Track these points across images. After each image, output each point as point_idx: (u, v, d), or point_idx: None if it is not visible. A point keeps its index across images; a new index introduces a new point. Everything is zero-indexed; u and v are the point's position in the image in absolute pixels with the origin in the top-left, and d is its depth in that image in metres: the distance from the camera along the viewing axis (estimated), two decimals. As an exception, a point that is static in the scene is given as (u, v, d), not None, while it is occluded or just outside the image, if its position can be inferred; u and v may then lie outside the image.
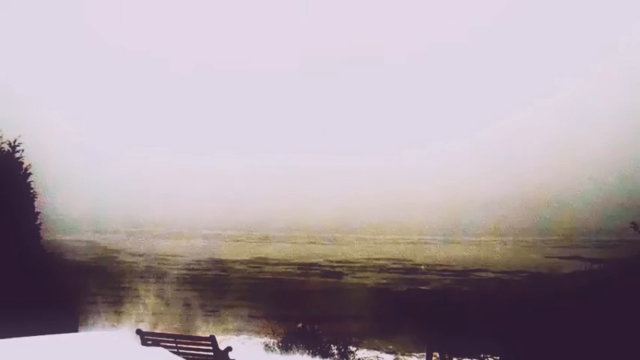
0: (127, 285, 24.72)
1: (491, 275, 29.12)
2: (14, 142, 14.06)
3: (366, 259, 31.49)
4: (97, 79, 33.60)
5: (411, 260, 30.90)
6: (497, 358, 15.56)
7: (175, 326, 20.58)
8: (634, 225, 12.57)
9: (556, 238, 27.90)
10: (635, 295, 12.44)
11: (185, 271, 28.65)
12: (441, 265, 29.63)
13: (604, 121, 28.67)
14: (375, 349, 19.20)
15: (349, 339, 17.75)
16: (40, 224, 14.11)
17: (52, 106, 32.73)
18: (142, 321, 19.31)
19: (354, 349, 17.53)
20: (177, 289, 24.81)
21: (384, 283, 29.11)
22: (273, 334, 18.35)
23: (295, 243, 32.91)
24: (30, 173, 14.21)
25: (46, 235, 14.34)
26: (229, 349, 10.92)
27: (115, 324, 18.38)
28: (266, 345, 17.85)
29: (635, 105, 27.64)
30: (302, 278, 29.35)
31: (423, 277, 29.44)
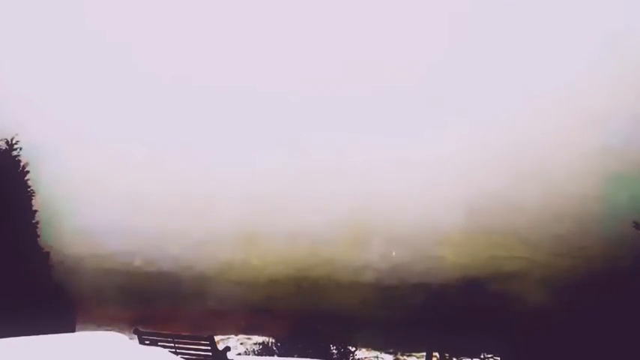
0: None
1: (491, 274, 29.04)
2: (11, 140, 13.95)
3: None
4: (96, 77, 33.51)
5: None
6: (498, 358, 15.51)
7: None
8: (636, 224, 12.54)
9: (556, 237, 27.85)
10: (636, 295, 12.39)
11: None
12: (443, 265, 29.57)
13: (602, 119, 28.77)
14: (375, 349, 19.13)
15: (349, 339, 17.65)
16: (37, 222, 13.99)
17: (50, 104, 32.62)
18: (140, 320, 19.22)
19: (354, 349, 17.43)
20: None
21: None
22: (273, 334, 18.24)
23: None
24: (27, 171, 14.10)
25: (44, 234, 14.20)
26: (228, 349, 10.82)
27: (113, 323, 18.29)
28: (265, 345, 17.71)
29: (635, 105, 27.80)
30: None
31: (423, 276, 29.35)
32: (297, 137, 34.01)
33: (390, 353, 19.01)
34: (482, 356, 15.64)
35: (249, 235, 29.80)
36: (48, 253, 14.07)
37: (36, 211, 14.00)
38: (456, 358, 15.82)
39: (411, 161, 31.99)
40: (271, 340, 17.79)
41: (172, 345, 10.53)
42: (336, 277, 28.85)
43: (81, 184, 28.70)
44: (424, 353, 16.57)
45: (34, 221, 13.90)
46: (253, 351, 17.85)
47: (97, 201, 28.84)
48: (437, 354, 15.58)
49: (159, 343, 10.38)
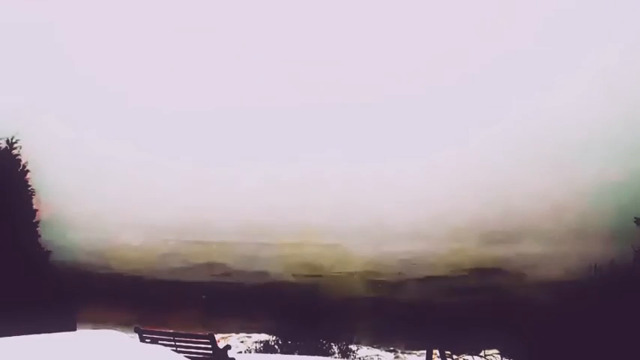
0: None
1: (491, 273, 29.09)
2: (12, 138, 13.93)
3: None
4: (96, 77, 33.49)
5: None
6: (499, 356, 15.46)
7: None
8: (637, 221, 12.44)
9: (556, 235, 27.85)
10: (637, 294, 12.35)
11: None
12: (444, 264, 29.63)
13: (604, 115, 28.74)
14: (375, 348, 19.13)
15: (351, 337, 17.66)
16: (37, 222, 13.98)
17: (50, 103, 32.61)
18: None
19: (355, 347, 17.43)
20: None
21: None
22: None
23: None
24: (28, 170, 14.08)
25: (44, 234, 14.19)
26: (228, 347, 10.84)
27: (113, 322, 18.28)
28: (266, 343, 17.73)
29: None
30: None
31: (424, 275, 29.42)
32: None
33: (390, 351, 19.03)
34: (482, 354, 15.60)
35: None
36: (48, 253, 14.07)
37: (36, 210, 13.99)
38: (457, 355, 15.78)
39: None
40: (272, 338, 17.81)
41: (173, 343, 10.55)
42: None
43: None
44: (424, 351, 16.54)
45: (34, 221, 13.89)
46: (255, 349, 17.87)
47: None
48: (437, 351, 15.54)
49: (159, 342, 10.40)
